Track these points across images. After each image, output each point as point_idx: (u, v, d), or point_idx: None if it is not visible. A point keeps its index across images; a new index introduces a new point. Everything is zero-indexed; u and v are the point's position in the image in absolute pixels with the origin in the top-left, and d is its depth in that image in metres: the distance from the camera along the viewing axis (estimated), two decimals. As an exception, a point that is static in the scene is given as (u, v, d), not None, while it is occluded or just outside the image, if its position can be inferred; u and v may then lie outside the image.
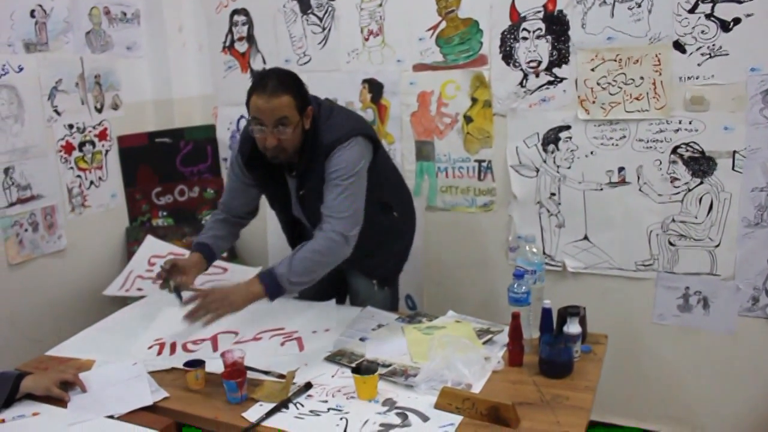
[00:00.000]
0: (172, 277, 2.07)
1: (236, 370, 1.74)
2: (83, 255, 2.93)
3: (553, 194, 2.65)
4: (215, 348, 2.04)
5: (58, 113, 2.78)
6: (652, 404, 2.66)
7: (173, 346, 2.06)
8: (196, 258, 2.17)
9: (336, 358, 1.92)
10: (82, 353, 2.05)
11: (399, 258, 2.41)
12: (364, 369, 1.71)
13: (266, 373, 1.85)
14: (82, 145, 2.91)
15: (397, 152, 2.90)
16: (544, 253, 2.70)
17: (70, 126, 2.85)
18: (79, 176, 2.91)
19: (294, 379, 1.79)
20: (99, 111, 2.98)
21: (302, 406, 1.68)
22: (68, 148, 2.85)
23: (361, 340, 2.03)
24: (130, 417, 1.66)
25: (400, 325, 2.11)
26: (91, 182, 2.98)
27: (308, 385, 1.76)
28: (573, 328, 1.82)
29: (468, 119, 2.74)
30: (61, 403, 1.73)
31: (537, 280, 1.95)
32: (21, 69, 2.61)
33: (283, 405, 1.68)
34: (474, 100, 2.71)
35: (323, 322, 2.17)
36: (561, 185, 2.63)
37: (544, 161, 2.64)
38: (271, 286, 1.91)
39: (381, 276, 2.34)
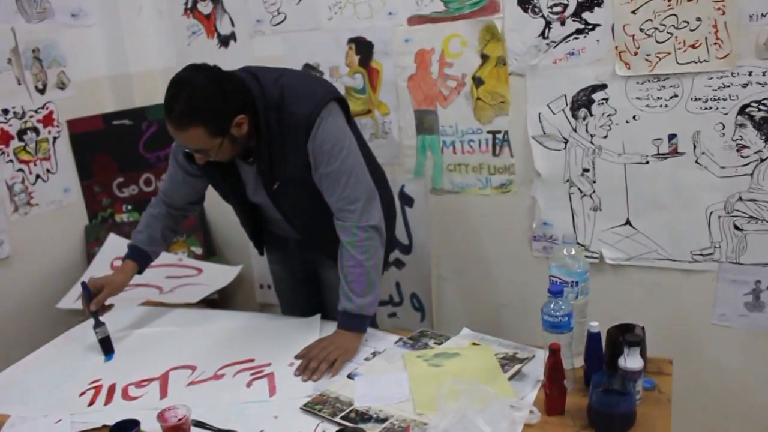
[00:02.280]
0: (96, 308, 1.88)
1: (177, 439, 1.30)
2: (32, 263, 2.60)
3: (586, 170, 2.28)
4: (164, 393, 1.64)
5: (-12, 97, 2.43)
6: (713, 422, 2.28)
7: (111, 390, 1.67)
8: (128, 272, 1.97)
9: (316, 407, 1.47)
10: (-3, 405, 1.65)
11: None
12: (349, 434, 1.27)
13: (222, 433, 1.42)
14: (22, 133, 2.56)
15: (393, 125, 2.54)
16: (576, 242, 2.28)
17: (5, 111, 2.50)
18: (21, 170, 2.56)
19: (257, 445, 1.35)
20: (41, 92, 2.63)
21: (265, 491, 1.24)
22: (5, 138, 2.49)
23: (350, 377, 1.59)
24: None
25: (401, 352, 1.69)
26: (38, 176, 2.63)
27: (276, 455, 1.32)
28: (633, 362, 1.35)
29: (478, 81, 2.37)
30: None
31: (579, 293, 1.48)
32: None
33: (238, 490, 1.24)
34: (484, 58, 2.34)
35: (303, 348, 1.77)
36: (596, 159, 2.25)
37: (574, 130, 2.26)
38: (356, 324, 1.77)
39: None
